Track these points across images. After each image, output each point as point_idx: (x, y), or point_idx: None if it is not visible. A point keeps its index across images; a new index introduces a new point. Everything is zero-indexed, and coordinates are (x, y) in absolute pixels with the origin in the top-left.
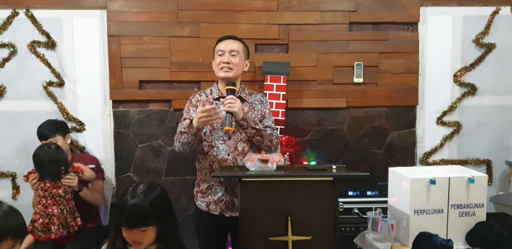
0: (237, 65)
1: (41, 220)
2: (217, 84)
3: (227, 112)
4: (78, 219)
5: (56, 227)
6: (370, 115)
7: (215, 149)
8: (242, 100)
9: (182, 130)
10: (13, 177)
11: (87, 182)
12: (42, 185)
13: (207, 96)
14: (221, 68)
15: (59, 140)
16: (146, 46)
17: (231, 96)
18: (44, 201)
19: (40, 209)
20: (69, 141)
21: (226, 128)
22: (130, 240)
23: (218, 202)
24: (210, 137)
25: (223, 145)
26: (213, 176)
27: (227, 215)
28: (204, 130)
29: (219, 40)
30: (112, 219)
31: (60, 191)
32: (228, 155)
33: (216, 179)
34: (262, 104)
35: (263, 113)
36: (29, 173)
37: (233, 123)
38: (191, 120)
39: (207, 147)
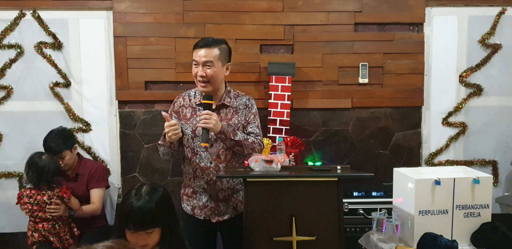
0: (213, 76)
1: (36, 234)
2: None
3: (202, 128)
4: (75, 229)
5: (53, 238)
6: (375, 116)
7: (197, 156)
8: (226, 106)
9: (159, 142)
10: (19, 177)
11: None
12: (28, 192)
13: (190, 100)
14: (199, 81)
15: (67, 154)
16: (152, 47)
17: (207, 111)
18: (33, 214)
19: (31, 225)
20: (76, 152)
21: (202, 143)
22: (134, 243)
23: (203, 208)
24: (193, 144)
25: (205, 152)
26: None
27: (214, 221)
28: (186, 137)
29: (195, 47)
30: (116, 223)
31: (45, 197)
32: (211, 162)
33: (200, 185)
34: (247, 109)
35: (247, 119)
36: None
37: (212, 135)
38: (164, 135)
39: (190, 153)
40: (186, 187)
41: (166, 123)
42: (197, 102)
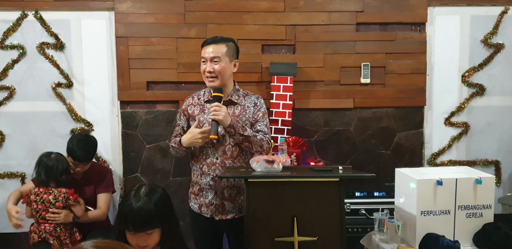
0: (221, 72)
1: (36, 235)
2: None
3: (212, 120)
4: (77, 234)
5: (52, 241)
6: (377, 116)
7: (204, 152)
8: (234, 103)
9: (173, 145)
10: (22, 177)
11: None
12: (36, 189)
13: (199, 98)
14: (206, 77)
15: (89, 163)
16: (154, 47)
17: (216, 103)
18: (38, 213)
19: (34, 226)
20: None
21: (211, 136)
22: (135, 244)
23: (209, 205)
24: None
25: (211, 148)
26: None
27: (217, 218)
28: None
29: (203, 44)
30: (116, 224)
31: (51, 197)
32: (217, 158)
33: (206, 181)
34: (256, 107)
35: (256, 117)
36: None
37: (220, 130)
38: (180, 139)
39: (197, 150)
40: (193, 185)
41: (200, 130)
42: (205, 100)
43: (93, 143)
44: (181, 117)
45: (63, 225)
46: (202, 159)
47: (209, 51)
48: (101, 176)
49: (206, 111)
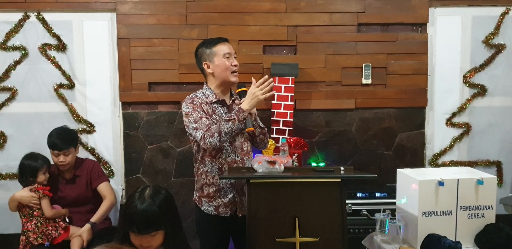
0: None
1: (23, 237)
2: (209, 87)
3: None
4: (61, 223)
5: (32, 239)
6: (378, 116)
7: (223, 151)
8: (234, 102)
9: (232, 116)
10: None
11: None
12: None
13: (207, 97)
14: (232, 72)
15: (71, 152)
16: (155, 48)
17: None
18: (20, 210)
19: (22, 231)
20: (78, 151)
21: (248, 129)
22: (138, 245)
23: (228, 204)
24: None
25: (230, 147)
26: (221, 178)
27: (240, 215)
28: None
29: (217, 42)
30: (120, 225)
31: None
32: (237, 156)
33: (227, 181)
34: None
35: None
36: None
37: (235, 131)
38: (239, 107)
39: (214, 150)
40: (207, 187)
41: (257, 84)
42: (213, 100)
43: (70, 130)
44: (200, 110)
45: (43, 219)
46: (221, 159)
47: (230, 47)
48: (89, 170)
49: (216, 112)
